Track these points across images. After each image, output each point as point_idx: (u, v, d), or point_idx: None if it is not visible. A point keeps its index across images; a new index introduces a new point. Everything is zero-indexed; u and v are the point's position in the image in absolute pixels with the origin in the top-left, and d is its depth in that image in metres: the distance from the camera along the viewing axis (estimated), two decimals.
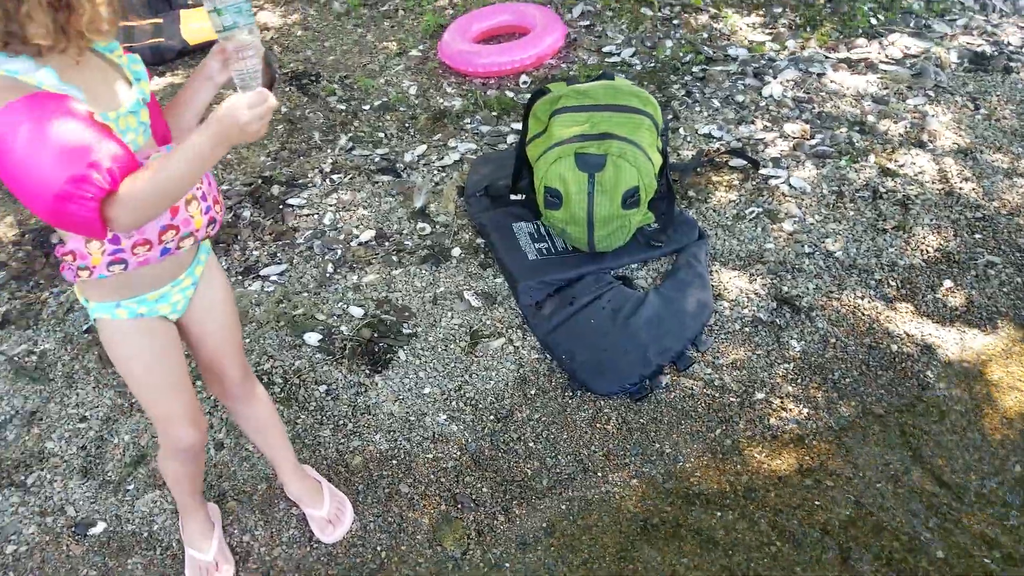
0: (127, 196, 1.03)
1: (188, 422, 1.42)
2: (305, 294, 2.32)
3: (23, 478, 1.89)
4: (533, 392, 2.00)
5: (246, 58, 1.12)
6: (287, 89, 3.26)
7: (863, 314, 2.11)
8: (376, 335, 2.17)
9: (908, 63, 3.05)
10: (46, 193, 0.99)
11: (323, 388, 2.04)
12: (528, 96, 3.08)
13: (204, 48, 3.56)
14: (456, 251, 2.42)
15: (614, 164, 2.06)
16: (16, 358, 2.19)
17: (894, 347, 2.02)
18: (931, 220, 2.37)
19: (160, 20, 3.65)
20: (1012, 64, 3.04)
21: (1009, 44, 3.17)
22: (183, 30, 3.59)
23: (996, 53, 3.10)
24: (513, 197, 2.51)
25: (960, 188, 2.48)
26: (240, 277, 2.39)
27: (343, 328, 2.20)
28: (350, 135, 2.97)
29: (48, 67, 1.03)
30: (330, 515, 1.71)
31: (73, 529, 1.78)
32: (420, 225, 2.54)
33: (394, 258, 2.41)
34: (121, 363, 1.35)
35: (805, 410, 1.89)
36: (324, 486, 1.76)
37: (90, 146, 1.00)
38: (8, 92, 0.99)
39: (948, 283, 2.17)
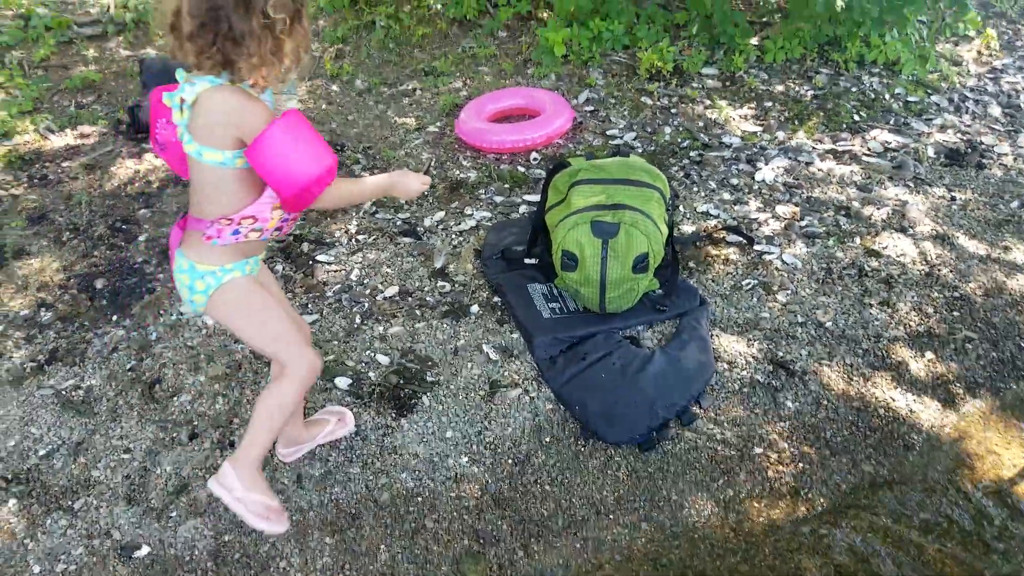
0: (333, 190, 1.58)
1: (312, 348, 1.80)
2: (335, 342, 2.49)
3: (71, 503, 2.01)
4: (548, 439, 2.17)
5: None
6: None
7: (852, 380, 2.32)
8: (402, 381, 2.34)
9: (889, 156, 3.36)
10: (306, 179, 1.49)
11: (353, 430, 2.19)
12: (540, 171, 3.36)
13: None
14: (475, 308, 2.62)
15: (627, 232, 2.30)
16: (64, 392, 2.34)
17: (881, 411, 2.21)
18: (913, 298, 2.61)
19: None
20: (984, 161, 3.36)
21: (982, 143, 3.50)
22: None
23: (970, 150, 3.42)
24: (528, 260, 2.73)
25: (939, 270, 2.73)
26: None
27: (371, 374, 2.37)
28: (373, 201, 3.21)
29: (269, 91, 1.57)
30: (335, 417, 2.14)
31: (119, 552, 1.90)
32: (440, 283, 2.74)
33: (417, 312, 2.61)
34: (253, 308, 1.70)
35: (800, 465, 2.07)
36: (321, 413, 2.18)
37: (325, 148, 1.52)
38: (266, 111, 1.49)
39: (929, 355, 2.39)
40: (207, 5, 1.40)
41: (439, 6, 4.82)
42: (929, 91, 3.90)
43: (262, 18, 1.41)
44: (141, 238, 3.02)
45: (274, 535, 1.89)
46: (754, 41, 4.24)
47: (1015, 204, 3.08)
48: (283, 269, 2.81)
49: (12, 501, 2.03)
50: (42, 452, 2.17)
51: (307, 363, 1.74)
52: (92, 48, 4.59)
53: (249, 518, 1.77)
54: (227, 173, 1.53)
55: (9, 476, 2.11)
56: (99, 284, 2.78)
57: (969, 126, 3.63)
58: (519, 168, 3.40)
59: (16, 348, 2.53)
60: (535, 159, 3.47)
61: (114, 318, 2.63)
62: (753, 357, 2.40)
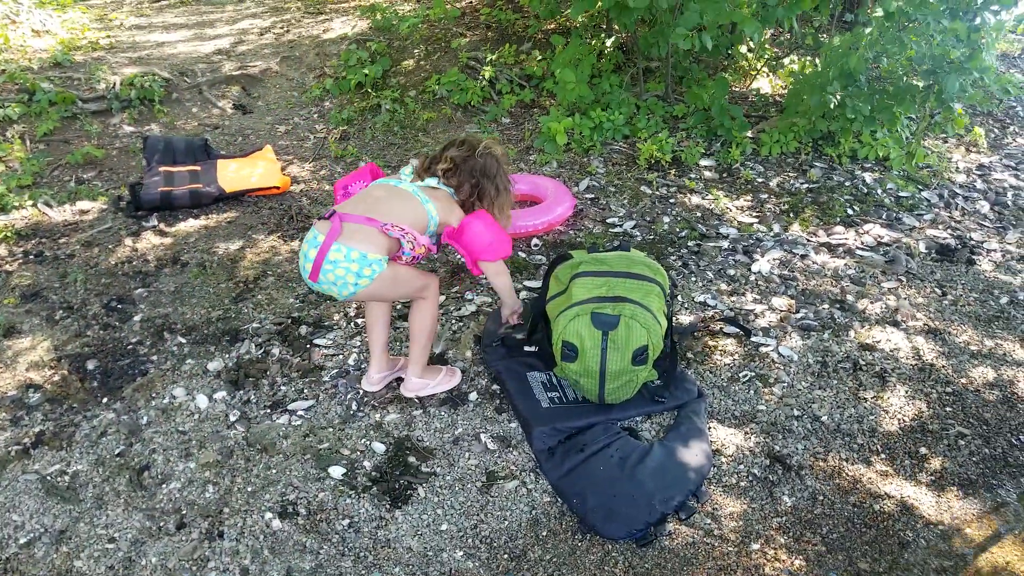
0: (503, 268, 2.66)
1: (431, 273, 2.58)
2: (330, 429, 2.55)
3: None
4: (545, 533, 2.21)
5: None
6: None
7: (847, 474, 2.39)
8: (397, 472, 2.39)
9: (881, 250, 3.52)
10: (501, 251, 2.49)
11: (346, 521, 2.23)
12: (541, 257, 3.49)
13: (239, 195, 4.00)
14: (473, 395, 2.69)
15: (627, 324, 2.40)
16: (48, 477, 2.37)
17: (876, 507, 2.28)
18: (906, 392, 2.71)
19: (199, 167, 4.11)
20: (974, 257, 3.52)
21: (971, 239, 3.68)
22: (220, 178, 4.03)
23: (960, 246, 3.59)
24: (527, 348, 2.82)
25: (932, 365, 2.84)
26: (268, 410, 2.63)
27: (366, 463, 2.42)
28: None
29: None
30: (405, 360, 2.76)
31: None
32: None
33: (414, 399, 2.68)
34: (403, 278, 2.38)
35: (797, 561, 2.12)
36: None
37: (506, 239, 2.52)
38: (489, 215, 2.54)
39: (923, 450, 2.47)
40: (474, 174, 2.53)
41: (444, 92, 5.08)
42: (920, 187, 4.11)
43: (499, 191, 2.58)
44: (136, 318, 3.10)
45: (457, 384, 2.70)
46: (750, 134, 4.48)
47: (1004, 300, 3.23)
48: (279, 352, 2.89)
49: None
50: (23, 540, 2.19)
51: (435, 285, 2.51)
52: (96, 123, 4.78)
53: (445, 387, 2.69)
54: (424, 217, 2.40)
55: None
56: (91, 365, 2.84)
57: (959, 222, 3.82)
58: (520, 254, 3.54)
59: (1, 431, 2.57)
60: (536, 245, 3.61)
61: (104, 400, 2.69)
62: (750, 450, 2.47)
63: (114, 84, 5.18)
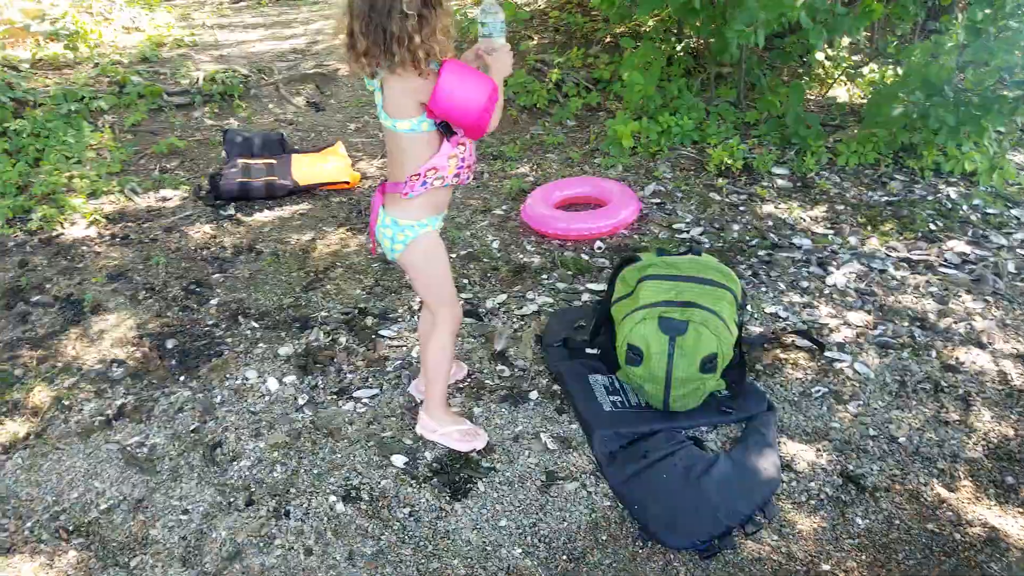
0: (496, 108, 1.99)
1: (457, 302, 2.34)
2: (393, 418, 2.57)
3: (127, 560, 2.09)
4: (605, 537, 2.17)
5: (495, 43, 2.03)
6: None
7: (926, 500, 2.27)
8: (457, 465, 2.39)
9: (967, 268, 3.37)
10: (480, 103, 1.89)
11: (407, 510, 2.24)
12: (604, 260, 3.45)
13: (311, 188, 4.08)
14: (534, 394, 2.68)
15: (696, 330, 2.35)
16: (128, 448, 2.45)
17: (957, 535, 2.16)
18: (991, 418, 2.57)
19: (274, 160, 4.21)
20: None
21: None
22: (294, 171, 4.12)
23: None
24: (589, 351, 2.79)
25: (1020, 390, 2.69)
26: (335, 396, 2.66)
27: (427, 454, 2.43)
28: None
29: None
30: (454, 365, 2.60)
31: None
32: (500, 367, 2.81)
33: (475, 394, 2.67)
34: (434, 262, 2.21)
35: None
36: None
37: (485, 76, 1.93)
38: (453, 60, 1.92)
39: (1010, 479, 2.34)
40: (370, 24, 1.83)
41: (511, 93, 5.08)
42: (1009, 204, 3.92)
43: (407, 19, 1.81)
44: (213, 301, 3.19)
45: (479, 448, 2.41)
46: (826, 144, 4.35)
47: None
48: (346, 341, 2.93)
49: (72, 553, 2.12)
50: (103, 506, 2.27)
51: (452, 315, 2.28)
52: (180, 116, 4.96)
53: (453, 445, 2.40)
54: (414, 137, 1.99)
55: (71, 528, 2.20)
56: (170, 344, 2.94)
57: None
58: (583, 256, 3.51)
59: (87, 401, 2.67)
60: (599, 248, 3.58)
61: (181, 378, 2.77)
62: (822, 469, 2.38)
63: (197, 79, 5.36)
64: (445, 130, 2.01)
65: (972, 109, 3.78)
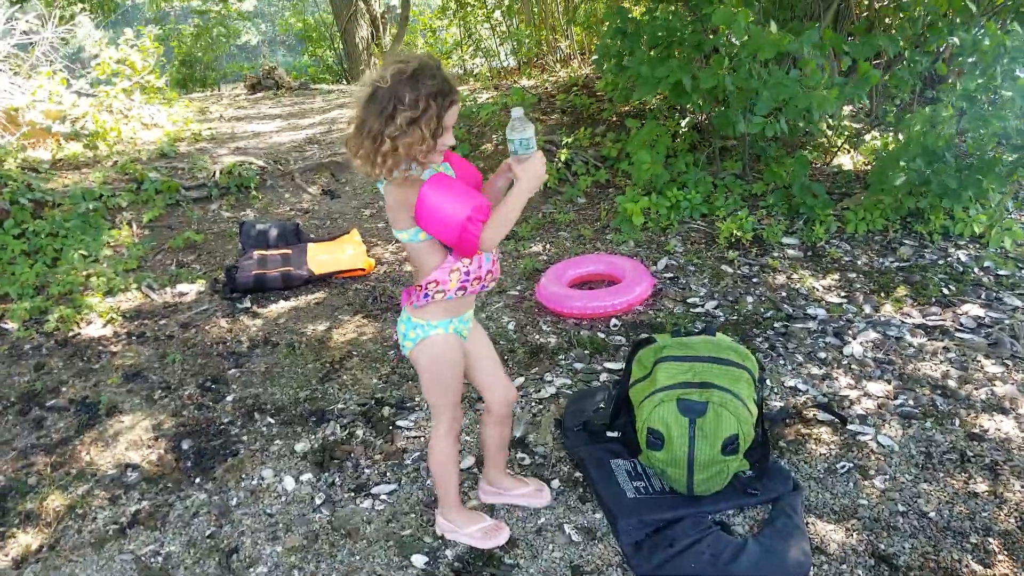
0: (492, 224, 1.89)
1: (460, 409, 2.25)
2: (412, 515, 2.53)
3: None
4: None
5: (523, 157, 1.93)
6: (398, 318, 3.72)
7: None
8: (480, 563, 2.34)
9: (983, 332, 3.34)
10: (457, 221, 1.83)
11: None
12: (621, 337, 3.46)
13: (327, 277, 4.13)
14: (555, 483, 2.64)
15: (715, 412, 2.33)
16: (143, 558, 2.42)
17: None
18: (1021, 487, 2.51)
19: (290, 251, 4.28)
20: None
21: None
22: (310, 261, 4.19)
23: None
24: (610, 434, 2.76)
25: None
26: (352, 494, 2.63)
27: (448, 552, 2.38)
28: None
29: (420, 168, 1.90)
30: (535, 487, 2.50)
31: None
32: (520, 455, 2.78)
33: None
34: (439, 365, 2.12)
35: None
36: (519, 477, 2.55)
37: (473, 194, 1.87)
38: (418, 183, 1.85)
39: None
40: (363, 125, 1.81)
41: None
42: (1020, 264, 3.91)
43: (394, 125, 1.78)
44: (229, 398, 3.20)
45: (502, 544, 2.35)
46: (834, 212, 4.39)
47: None
48: (363, 434, 2.92)
49: None
50: None
51: (450, 419, 2.21)
52: (197, 209, 5.08)
53: (474, 543, 2.35)
54: (416, 247, 1.98)
55: None
56: (185, 445, 2.93)
57: None
58: (599, 334, 3.51)
59: (101, 509, 2.65)
60: (615, 325, 3.58)
61: (197, 480, 2.75)
62: (852, 549, 2.31)
63: (214, 173, 5.51)
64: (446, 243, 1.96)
65: (973, 173, 3.83)
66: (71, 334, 3.73)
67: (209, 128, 7.14)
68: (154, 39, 7.84)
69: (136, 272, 4.32)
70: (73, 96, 6.73)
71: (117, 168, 5.62)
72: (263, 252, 4.23)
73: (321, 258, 4.21)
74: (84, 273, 4.19)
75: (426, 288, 1.99)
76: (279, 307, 3.91)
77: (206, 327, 3.75)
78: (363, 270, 4.20)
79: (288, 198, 5.37)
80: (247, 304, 3.94)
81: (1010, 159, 3.84)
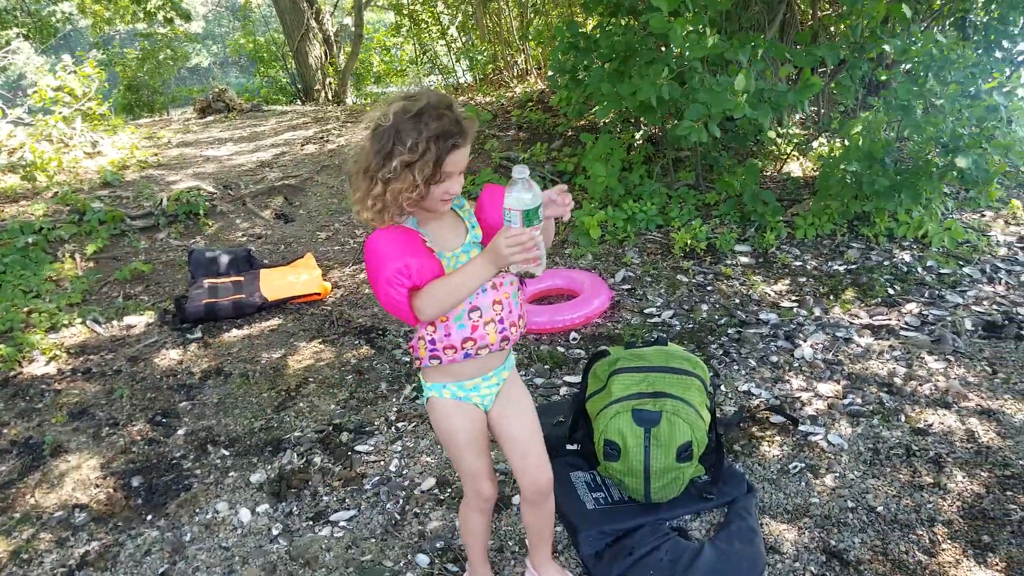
0: (426, 292, 1.67)
1: (488, 478, 1.99)
2: (372, 540, 2.56)
3: None
4: None
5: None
6: (356, 342, 3.76)
7: (908, 568, 2.30)
8: None
9: (927, 330, 3.49)
10: (380, 279, 1.64)
11: None
12: (580, 351, 3.53)
13: (282, 303, 4.14)
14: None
15: (668, 420, 2.41)
16: None
17: None
18: (963, 477, 2.63)
19: (242, 278, 4.28)
20: (1023, 332, 3.46)
21: (1018, 314, 3.63)
22: (263, 287, 4.19)
23: (1007, 322, 3.55)
24: (569, 447, 2.83)
25: (988, 447, 2.76)
26: (311, 522, 2.65)
27: (409, 575, 2.41)
28: (414, 384, 3.38)
29: (412, 218, 1.74)
30: None
31: None
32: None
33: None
34: (444, 429, 1.92)
35: None
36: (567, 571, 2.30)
37: (410, 255, 1.64)
38: (391, 228, 1.69)
39: (986, 538, 2.38)
40: (363, 169, 1.67)
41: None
42: (961, 263, 4.10)
43: (391, 169, 1.63)
44: (180, 431, 3.19)
45: None
46: (784, 218, 4.54)
47: None
48: (321, 461, 2.94)
49: None
50: None
51: (474, 491, 2.00)
52: (143, 239, 5.04)
53: None
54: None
55: None
56: (135, 482, 2.92)
57: (1004, 296, 3.78)
58: (559, 348, 3.58)
59: (48, 552, 2.62)
60: (574, 339, 3.66)
61: (149, 518, 2.74)
62: (805, 547, 2.41)
63: (161, 200, 5.48)
64: None
65: (908, 177, 4.01)
66: (12, 373, 3.67)
67: (156, 154, 7.09)
68: (96, 64, 7.76)
69: (80, 306, 4.28)
70: (9, 126, 6.63)
71: (58, 199, 5.56)
72: (214, 280, 4.22)
73: (275, 284, 4.22)
74: (25, 309, 4.13)
75: (411, 347, 1.86)
76: (231, 336, 3.91)
77: (155, 360, 3.73)
78: (319, 295, 4.22)
79: (240, 224, 5.36)
80: (198, 334, 3.93)
81: (940, 163, 4.03)
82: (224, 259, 4.40)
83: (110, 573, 2.50)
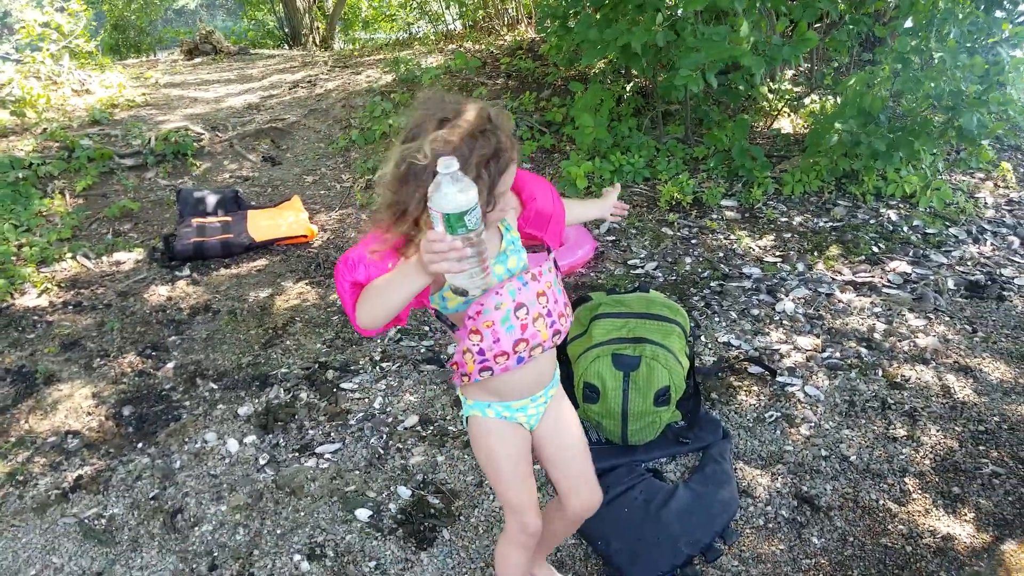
0: (363, 293, 1.47)
1: (535, 511, 1.75)
2: (356, 472, 2.62)
3: None
4: None
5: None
6: None
7: (878, 516, 2.38)
8: (422, 515, 2.44)
9: (909, 288, 3.54)
10: (336, 266, 1.50)
11: (372, 563, 2.28)
12: None
13: (269, 244, 4.15)
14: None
15: (648, 365, 2.46)
16: (86, 520, 2.47)
17: (908, 548, 2.27)
18: (937, 431, 2.71)
19: (230, 218, 4.28)
20: (1005, 293, 3.52)
21: (1002, 275, 3.68)
22: (250, 228, 4.19)
23: (990, 283, 3.60)
24: None
25: (963, 403, 2.83)
26: (296, 454, 2.71)
27: (391, 505, 2.48)
28: (398, 328, 3.42)
29: None
30: None
31: None
32: (462, 413, 2.88)
33: (438, 441, 2.74)
34: (485, 453, 1.71)
35: None
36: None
37: (379, 257, 1.45)
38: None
39: (956, 490, 2.46)
40: (398, 213, 1.41)
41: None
42: (947, 223, 4.13)
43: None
44: (170, 364, 3.22)
45: None
46: (772, 174, 4.55)
47: None
48: (307, 397, 2.99)
49: None
50: None
51: (518, 524, 1.74)
52: (132, 178, 5.01)
53: None
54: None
55: None
56: (126, 411, 2.96)
57: (988, 258, 3.82)
58: None
59: (42, 475, 2.68)
60: None
61: (139, 445, 2.79)
62: (777, 491, 2.48)
63: (149, 140, 5.43)
64: (442, 321, 1.63)
65: (905, 135, 4.01)
66: (4, 305, 3.69)
67: (144, 94, 6.99)
68: (83, 1, 7.59)
69: (70, 241, 4.27)
70: None
71: (47, 136, 5.50)
72: (202, 220, 4.21)
73: (262, 224, 4.22)
74: (16, 243, 4.12)
75: (453, 369, 1.64)
76: (219, 275, 3.92)
77: (145, 295, 3.74)
78: (305, 237, 4.22)
79: (228, 165, 5.33)
80: (186, 272, 3.94)
81: (940, 120, 4.03)
82: (212, 199, 4.38)
83: (103, 495, 2.56)
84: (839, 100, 4.67)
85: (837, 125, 4.14)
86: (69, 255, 4.12)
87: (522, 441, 1.72)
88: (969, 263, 3.78)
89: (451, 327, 1.60)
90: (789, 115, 5.44)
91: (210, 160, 5.38)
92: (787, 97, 5.43)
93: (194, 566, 2.29)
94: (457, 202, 1.24)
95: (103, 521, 2.46)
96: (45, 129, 5.65)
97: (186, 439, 2.80)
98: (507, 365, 1.58)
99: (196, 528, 2.43)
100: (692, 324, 3.31)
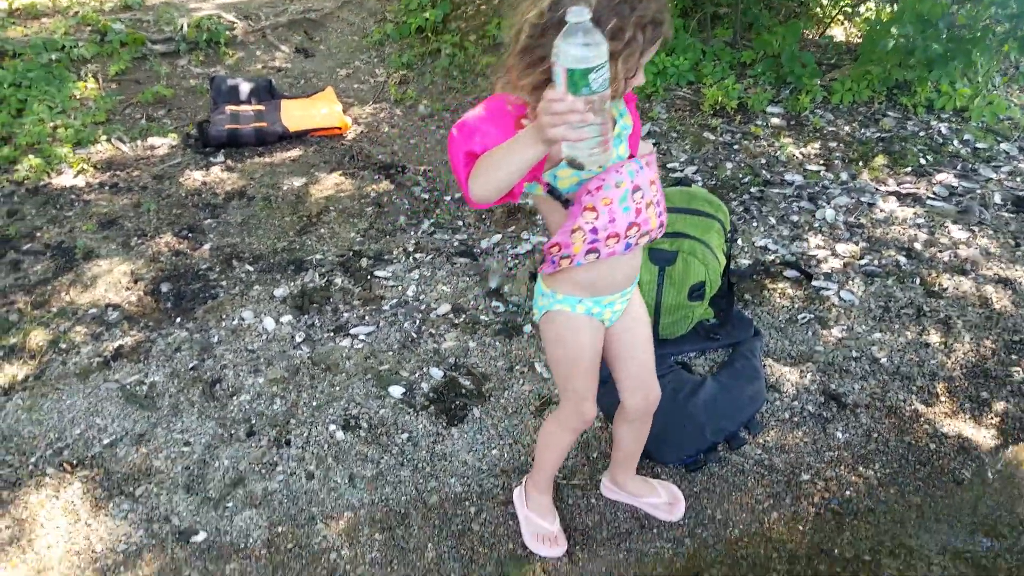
0: (477, 163, 1.37)
1: (594, 400, 1.83)
2: (390, 353, 2.70)
3: (132, 489, 2.23)
4: (595, 455, 2.32)
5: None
6: (376, 177, 3.79)
7: (904, 415, 2.42)
8: (453, 394, 2.53)
9: (954, 200, 3.48)
10: (451, 134, 1.41)
11: (405, 435, 2.38)
12: None
13: (302, 134, 4.15)
14: (527, 327, 2.80)
15: (684, 260, 2.47)
16: (128, 386, 2.58)
17: (932, 446, 2.32)
18: (971, 339, 2.71)
19: (263, 107, 4.27)
20: None
21: None
22: (284, 117, 4.19)
23: None
24: None
25: (1000, 313, 2.83)
26: (332, 334, 2.79)
27: (423, 385, 2.56)
28: (432, 220, 3.45)
29: None
30: (667, 498, 2.15)
31: (177, 536, 2.10)
32: (494, 303, 2.94)
33: (470, 329, 2.80)
34: (564, 347, 1.72)
35: (847, 493, 2.18)
36: (654, 481, 2.20)
37: (486, 121, 1.39)
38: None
39: (985, 394, 2.49)
40: (534, 58, 1.35)
41: (504, 36, 5.13)
42: (999, 138, 4.02)
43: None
44: (206, 246, 3.29)
45: (551, 558, 2.04)
46: (821, 82, 4.42)
47: None
48: (342, 282, 3.05)
49: (76, 484, 2.26)
50: (106, 441, 2.40)
51: (574, 412, 1.83)
52: (164, 64, 4.99)
53: (526, 536, 2.07)
54: (536, 201, 1.60)
55: (74, 461, 2.34)
56: (164, 288, 3.05)
57: None
58: None
59: (84, 344, 2.79)
60: None
61: (178, 320, 2.89)
62: (805, 388, 2.52)
63: (181, 26, 5.38)
64: (556, 196, 1.53)
65: (963, 43, 3.85)
66: (42, 183, 3.76)
67: None
68: None
69: (105, 124, 4.30)
70: None
71: (79, 19, 5.46)
72: (236, 107, 4.21)
73: (296, 115, 4.21)
74: (51, 124, 4.16)
75: (551, 252, 1.59)
76: (254, 162, 3.95)
77: (180, 179, 3.79)
78: (339, 129, 4.21)
79: (260, 55, 5.28)
80: (220, 158, 3.98)
81: (1001, 30, 3.86)
82: (245, 87, 4.36)
83: (143, 364, 2.67)
84: (896, 8, 4.48)
85: (893, 30, 3.99)
86: (104, 138, 4.16)
87: (599, 338, 1.75)
88: (1018, 179, 3.69)
89: (565, 203, 1.53)
90: (843, 22, 5.24)
91: (243, 49, 5.34)
92: (842, 3, 5.21)
93: (233, 431, 2.41)
94: (583, 56, 1.11)
95: (144, 387, 2.58)
96: (77, 12, 5.61)
97: (223, 316, 2.89)
98: (615, 249, 1.54)
99: (234, 397, 2.53)
100: (730, 221, 3.30)
